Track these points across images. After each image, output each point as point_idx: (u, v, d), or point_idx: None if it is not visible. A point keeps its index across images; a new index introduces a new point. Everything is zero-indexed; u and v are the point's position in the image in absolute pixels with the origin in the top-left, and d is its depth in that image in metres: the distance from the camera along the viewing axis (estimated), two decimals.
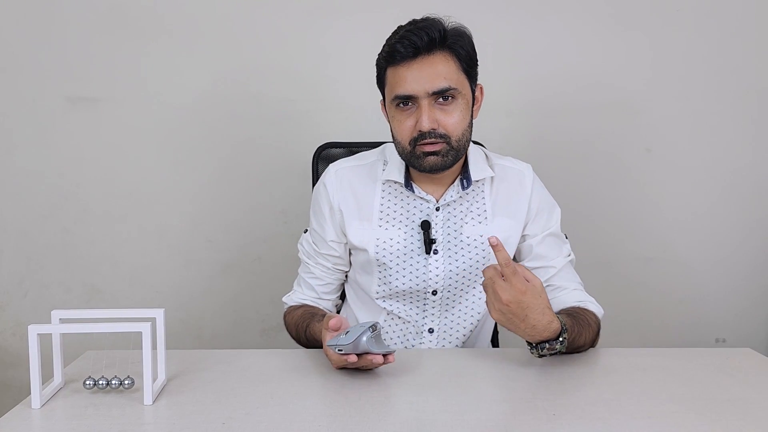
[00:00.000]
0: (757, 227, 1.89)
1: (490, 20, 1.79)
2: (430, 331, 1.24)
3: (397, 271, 1.21)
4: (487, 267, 0.98)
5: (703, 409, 0.87)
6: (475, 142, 1.43)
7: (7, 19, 1.77)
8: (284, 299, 1.30)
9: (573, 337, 1.03)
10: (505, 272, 0.94)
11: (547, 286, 1.22)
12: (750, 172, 1.87)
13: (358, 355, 0.93)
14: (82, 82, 1.80)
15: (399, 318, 1.25)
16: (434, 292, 1.22)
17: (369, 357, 0.93)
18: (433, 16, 1.12)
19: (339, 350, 0.93)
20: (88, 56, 1.79)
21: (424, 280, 1.21)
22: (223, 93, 1.81)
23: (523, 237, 1.25)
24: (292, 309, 1.25)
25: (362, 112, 1.79)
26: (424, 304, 1.23)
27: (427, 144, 1.11)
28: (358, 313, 1.29)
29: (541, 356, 1.00)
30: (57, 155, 1.82)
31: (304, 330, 1.16)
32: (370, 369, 0.99)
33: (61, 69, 1.79)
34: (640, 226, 1.89)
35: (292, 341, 1.25)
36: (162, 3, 1.77)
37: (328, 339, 0.97)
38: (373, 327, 0.94)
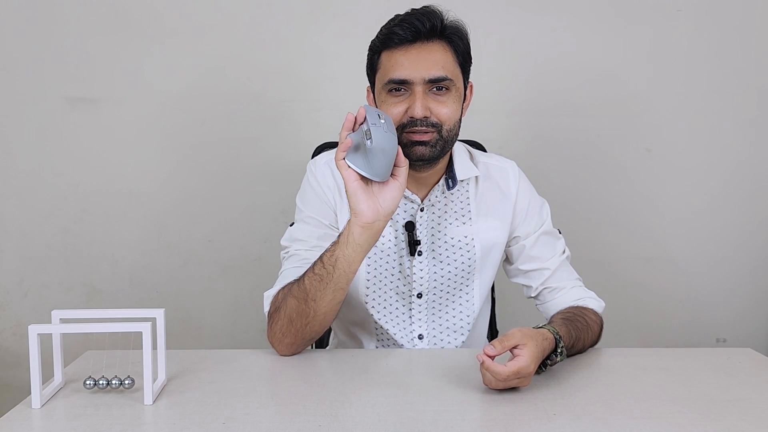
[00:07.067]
0: (758, 227, 1.89)
1: (491, 18, 1.79)
2: (420, 337, 1.20)
3: (381, 272, 1.18)
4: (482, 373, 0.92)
5: (703, 409, 0.87)
6: (474, 143, 1.43)
7: (8, 20, 1.77)
8: (266, 294, 1.11)
9: (571, 343, 1.03)
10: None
11: (544, 288, 1.21)
12: (750, 172, 1.87)
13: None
14: (82, 82, 1.79)
15: (387, 325, 1.20)
16: (419, 295, 1.19)
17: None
18: (432, 7, 1.09)
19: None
20: (88, 57, 1.78)
21: (408, 283, 1.18)
22: (223, 93, 1.81)
23: (516, 239, 1.22)
24: (285, 286, 1.09)
25: None
26: (410, 309, 1.20)
27: (418, 132, 1.06)
28: (346, 314, 1.24)
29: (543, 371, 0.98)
30: (57, 155, 1.82)
31: (325, 257, 1.02)
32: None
33: (61, 69, 1.79)
34: (641, 226, 1.89)
35: None
36: (162, 3, 1.77)
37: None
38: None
